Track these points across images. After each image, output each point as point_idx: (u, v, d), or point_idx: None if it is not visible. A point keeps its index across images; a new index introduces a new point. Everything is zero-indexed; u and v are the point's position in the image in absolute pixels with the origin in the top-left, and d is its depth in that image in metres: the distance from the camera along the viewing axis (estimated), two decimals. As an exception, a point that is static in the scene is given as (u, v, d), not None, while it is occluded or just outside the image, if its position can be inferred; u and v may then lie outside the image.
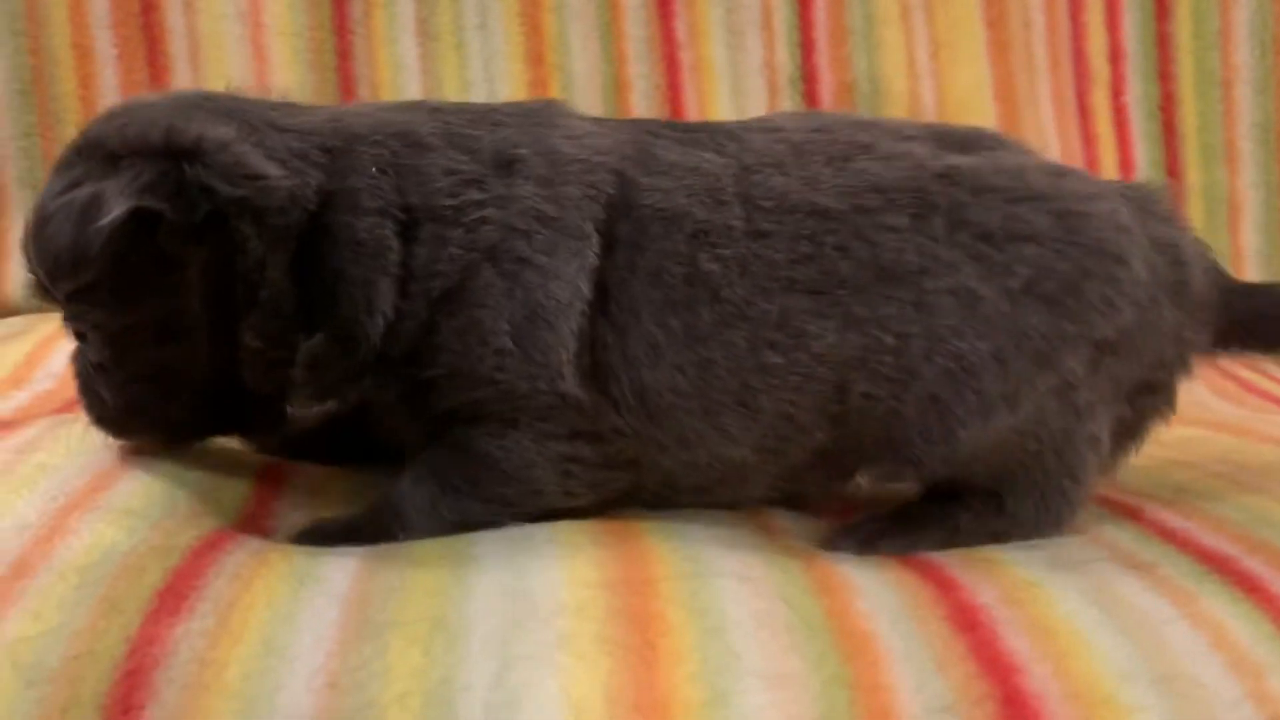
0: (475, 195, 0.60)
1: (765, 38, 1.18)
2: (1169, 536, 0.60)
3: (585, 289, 0.59)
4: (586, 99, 1.14)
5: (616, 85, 1.16)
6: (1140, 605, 0.51)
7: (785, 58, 1.18)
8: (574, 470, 0.61)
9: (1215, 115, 1.27)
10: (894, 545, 0.59)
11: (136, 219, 0.57)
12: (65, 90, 1.11)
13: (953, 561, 0.56)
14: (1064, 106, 1.24)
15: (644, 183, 0.61)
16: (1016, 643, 0.47)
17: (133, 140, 0.59)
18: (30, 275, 0.62)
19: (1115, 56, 1.26)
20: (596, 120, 0.67)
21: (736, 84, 1.17)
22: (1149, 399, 0.65)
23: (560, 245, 0.60)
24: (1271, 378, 1.07)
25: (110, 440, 0.65)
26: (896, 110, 1.18)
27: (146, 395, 0.63)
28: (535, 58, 1.15)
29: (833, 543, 0.60)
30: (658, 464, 0.62)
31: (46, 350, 0.92)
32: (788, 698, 0.43)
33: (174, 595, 0.49)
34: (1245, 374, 1.07)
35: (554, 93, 1.14)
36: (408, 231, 0.60)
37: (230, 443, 0.69)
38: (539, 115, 0.65)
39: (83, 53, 1.11)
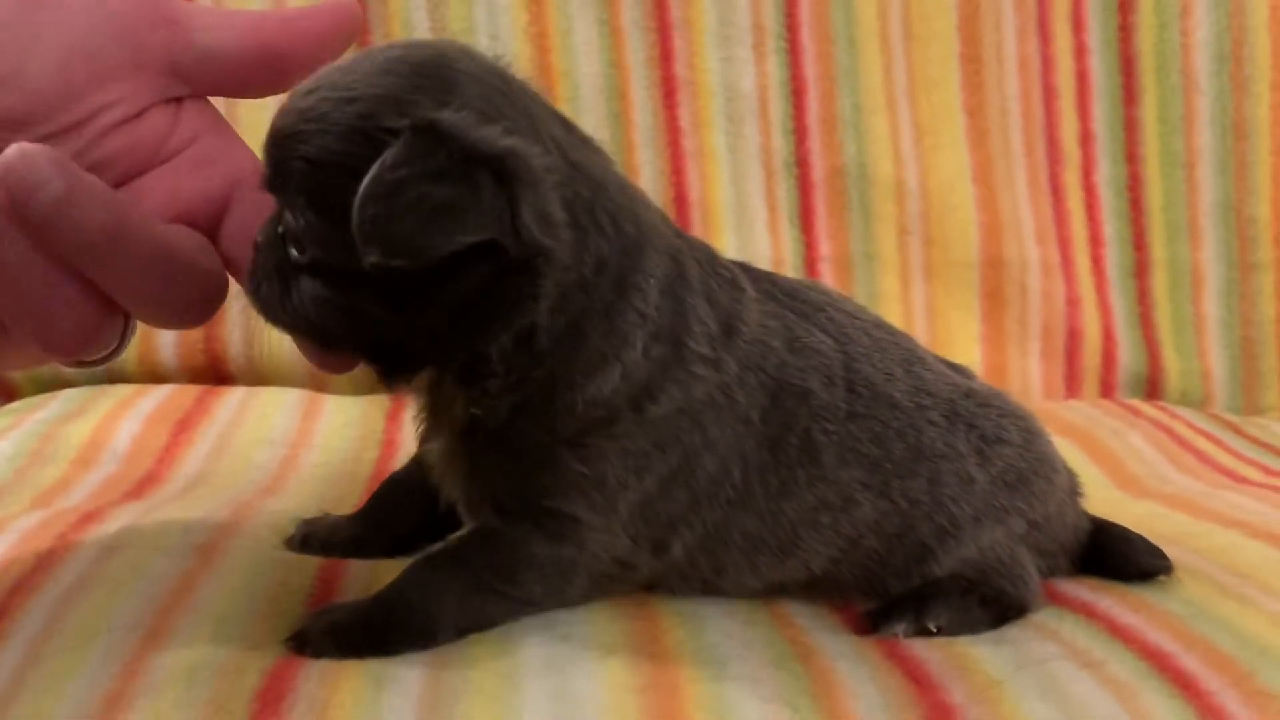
0: (707, 351, 0.67)
1: (762, 125, 1.27)
2: (1117, 632, 0.68)
3: (737, 475, 0.69)
4: (597, 183, 1.23)
5: (625, 170, 1.23)
6: (1089, 703, 0.60)
7: (780, 144, 1.27)
8: (602, 585, 0.70)
9: (1179, 194, 1.36)
10: (943, 620, 0.69)
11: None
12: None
13: (933, 659, 0.65)
14: (1038, 187, 1.34)
15: (790, 362, 0.70)
16: (984, 740, 0.57)
17: (481, 149, 0.57)
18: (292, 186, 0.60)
19: (1086, 140, 1.36)
20: (745, 274, 0.73)
21: (735, 169, 1.26)
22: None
23: (730, 426, 0.68)
24: (1229, 450, 1.16)
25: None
26: (883, 193, 1.27)
27: (338, 317, 0.62)
28: (550, 146, 1.24)
29: (884, 624, 0.69)
30: (677, 577, 0.72)
31: (110, 429, 1.00)
32: (793, 793, 0.53)
33: (273, 697, 0.58)
34: (1203, 445, 1.17)
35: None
36: (647, 346, 0.65)
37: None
38: (735, 278, 0.71)
39: None
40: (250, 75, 0.67)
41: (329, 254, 0.60)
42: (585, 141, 0.66)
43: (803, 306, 0.74)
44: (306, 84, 0.61)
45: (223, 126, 0.70)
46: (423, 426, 0.73)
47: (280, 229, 0.62)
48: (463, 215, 0.56)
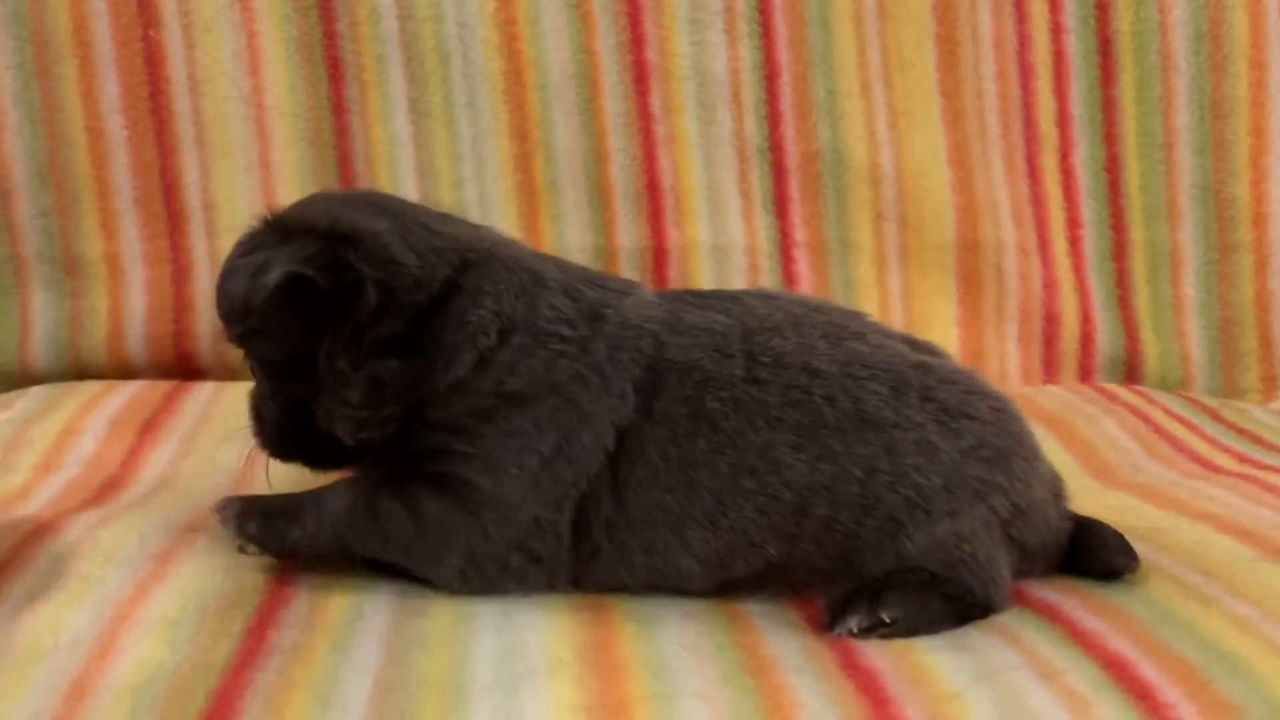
0: (566, 331, 0.74)
1: (734, 111, 1.25)
2: (1079, 638, 0.68)
3: (610, 442, 0.72)
4: (569, 171, 1.22)
5: (597, 158, 1.23)
6: (1044, 715, 0.59)
7: (754, 129, 1.26)
8: (513, 570, 0.73)
9: (1157, 175, 1.35)
10: (897, 611, 0.69)
11: (294, 282, 0.71)
12: (80, 171, 1.19)
13: (889, 669, 0.64)
14: (1014, 169, 1.32)
15: (670, 342, 0.74)
16: (936, 757, 0.56)
17: (305, 222, 0.74)
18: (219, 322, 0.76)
19: (1063, 121, 1.34)
20: (655, 293, 0.80)
21: (708, 155, 1.25)
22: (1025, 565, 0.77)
23: (603, 400, 0.72)
24: (1204, 437, 1.15)
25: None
26: (858, 177, 1.26)
27: (290, 423, 0.77)
28: (520, 134, 1.22)
29: (839, 620, 0.69)
30: (623, 568, 0.73)
31: (75, 431, 1.00)
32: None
33: (218, 718, 0.57)
34: (1179, 432, 1.16)
35: (538, 166, 1.22)
36: (504, 335, 0.74)
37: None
38: (627, 287, 0.79)
39: (95, 135, 1.18)
40: None
41: (266, 366, 0.78)
42: (472, 224, 0.81)
43: (707, 300, 0.78)
44: None
45: None
46: None
47: None
48: (269, 266, 0.71)
